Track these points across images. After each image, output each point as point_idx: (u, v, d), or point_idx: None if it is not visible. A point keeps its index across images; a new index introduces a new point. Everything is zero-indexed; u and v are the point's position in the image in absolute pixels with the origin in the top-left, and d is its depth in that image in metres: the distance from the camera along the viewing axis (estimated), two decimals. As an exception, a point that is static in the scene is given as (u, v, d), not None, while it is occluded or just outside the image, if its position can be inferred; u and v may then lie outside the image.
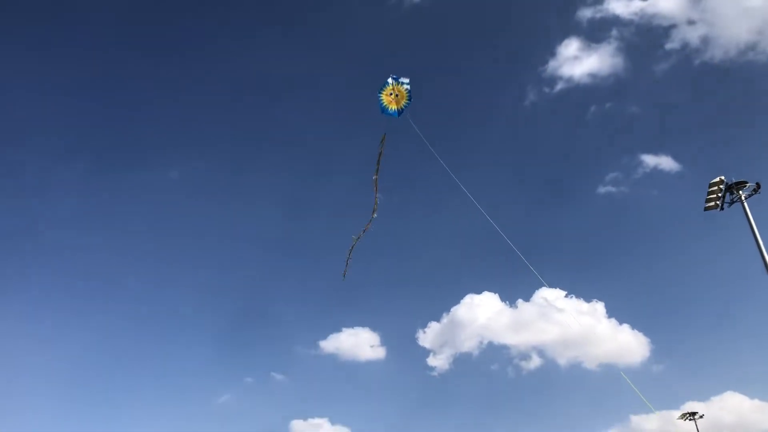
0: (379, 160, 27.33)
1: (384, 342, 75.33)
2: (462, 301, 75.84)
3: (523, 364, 71.54)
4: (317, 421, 70.43)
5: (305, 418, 70.40)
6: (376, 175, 27.75)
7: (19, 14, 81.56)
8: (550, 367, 70.82)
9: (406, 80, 26.08)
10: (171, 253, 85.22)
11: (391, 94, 25.95)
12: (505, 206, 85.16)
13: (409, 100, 26.22)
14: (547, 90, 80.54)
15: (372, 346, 75.36)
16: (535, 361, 71.19)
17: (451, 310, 75.82)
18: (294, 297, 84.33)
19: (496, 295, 74.51)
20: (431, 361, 72.83)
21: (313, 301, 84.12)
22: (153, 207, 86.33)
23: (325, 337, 75.24)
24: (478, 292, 75.99)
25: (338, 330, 75.64)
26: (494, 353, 72.60)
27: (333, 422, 70.54)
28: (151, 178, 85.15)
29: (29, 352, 73.48)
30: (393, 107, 26.07)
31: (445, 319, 75.58)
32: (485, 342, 72.23)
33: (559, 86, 79.09)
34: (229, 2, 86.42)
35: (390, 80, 26.02)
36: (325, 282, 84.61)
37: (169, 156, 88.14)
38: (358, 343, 75.57)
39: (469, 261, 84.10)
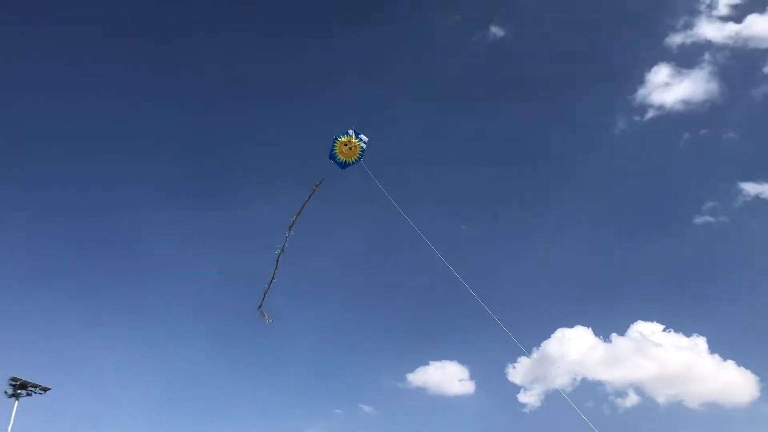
0: (304, 204, 26.78)
1: (473, 376, 74.23)
2: (553, 335, 73.39)
3: (619, 401, 68.51)
4: None
5: None
6: (294, 220, 27.03)
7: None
8: (648, 405, 67.10)
9: (365, 138, 26.19)
10: (253, 287, 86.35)
11: (346, 144, 25.98)
12: (597, 237, 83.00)
13: (361, 156, 26.36)
14: (637, 118, 79.22)
15: (461, 380, 74.11)
16: (632, 399, 67.94)
17: (542, 344, 73.35)
18: (381, 329, 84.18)
19: (590, 329, 71.98)
20: (522, 397, 71.01)
21: (401, 334, 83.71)
22: (245, 242, 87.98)
23: (412, 369, 74.43)
24: (570, 326, 73.57)
25: (426, 363, 74.79)
26: (588, 390, 69.73)
27: None
28: (243, 213, 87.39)
29: (123, 369, 74.85)
30: (342, 158, 26.22)
31: (535, 354, 73.63)
32: (578, 378, 69.46)
33: (650, 114, 77.68)
34: (312, 41, 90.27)
35: (351, 131, 26.13)
36: (413, 314, 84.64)
37: (259, 192, 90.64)
38: (446, 376, 74.32)
39: (560, 294, 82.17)
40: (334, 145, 26.18)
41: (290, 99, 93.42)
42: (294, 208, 26.89)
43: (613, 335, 71.33)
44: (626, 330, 71.36)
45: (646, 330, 69.00)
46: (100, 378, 74.20)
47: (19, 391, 38.95)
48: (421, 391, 73.79)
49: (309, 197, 26.77)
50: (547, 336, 74.61)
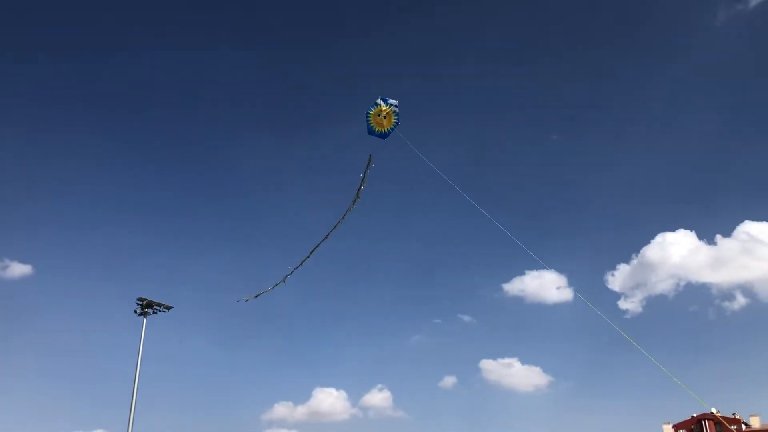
0: (361, 184, 27.60)
1: (571, 284, 74.58)
2: (653, 240, 71.77)
3: (726, 304, 66.88)
4: (507, 360, 72.38)
5: (495, 358, 72.41)
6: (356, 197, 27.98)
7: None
8: (758, 306, 65.16)
9: (395, 102, 25.95)
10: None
11: (379, 115, 25.92)
12: (699, 136, 79.36)
13: (397, 122, 26.14)
14: (740, 7, 73.08)
15: (558, 288, 74.86)
16: (740, 301, 66.18)
17: (641, 250, 72.33)
18: (475, 241, 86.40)
19: (693, 232, 69.60)
20: (622, 304, 70.72)
21: (494, 246, 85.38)
22: (342, 160, 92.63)
23: (508, 280, 76.15)
24: (672, 229, 71.50)
25: (522, 273, 76.12)
26: (693, 294, 68.44)
27: (523, 362, 71.87)
28: (329, 134, 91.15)
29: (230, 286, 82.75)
30: (380, 129, 26.21)
31: (635, 261, 72.40)
32: (682, 283, 68.07)
33: (755, 0, 71.05)
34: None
35: (379, 101, 25.92)
36: (507, 225, 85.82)
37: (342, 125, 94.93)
38: (544, 285, 75.31)
39: (660, 198, 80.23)
40: (368, 120, 26.24)
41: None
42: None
43: (718, 237, 68.33)
44: (732, 231, 68.44)
45: (754, 230, 65.66)
46: (216, 297, 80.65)
47: (146, 310, 42.33)
48: (518, 300, 75.02)
49: (363, 179, 27.44)
50: (647, 242, 72.64)
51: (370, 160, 27.39)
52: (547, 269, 75.12)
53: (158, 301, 42.82)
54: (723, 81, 79.07)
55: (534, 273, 75.42)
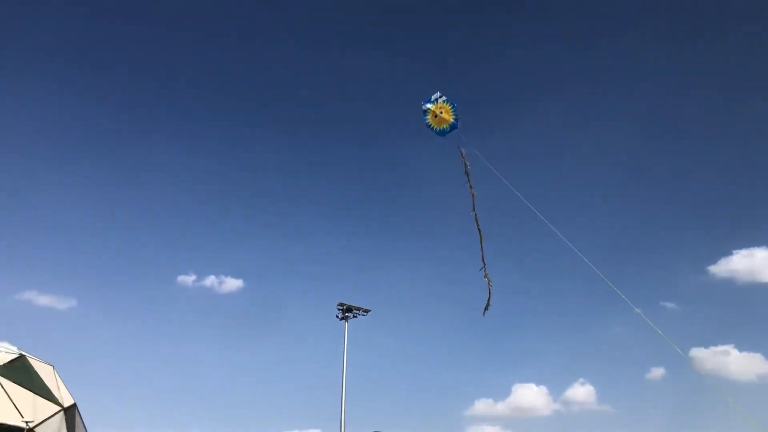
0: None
1: None
2: None
3: None
4: (721, 348, 64.78)
5: (707, 346, 65.48)
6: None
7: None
8: None
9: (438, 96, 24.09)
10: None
11: (436, 116, 24.01)
12: None
13: (456, 118, 23.93)
14: None
15: None
16: None
17: None
18: (672, 222, 78.93)
19: None
20: None
21: (693, 224, 77.34)
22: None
23: (714, 261, 68.40)
24: None
25: (728, 253, 67.81)
26: None
27: (741, 349, 64.07)
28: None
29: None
30: (444, 126, 24.08)
31: None
32: None
33: None
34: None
35: (435, 97, 24.05)
36: (708, 204, 77.20)
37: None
38: (756, 264, 66.24)
39: None
40: (426, 117, 24.24)
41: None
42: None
43: None
44: None
45: None
46: (409, 301, 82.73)
47: (347, 314, 44.05)
48: (728, 282, 65.76)
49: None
50: None
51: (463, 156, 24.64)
52: (759, 246, 64.23)
53: (357, 305, 44.36)
54: None
55: (743, 252, 65.15)
